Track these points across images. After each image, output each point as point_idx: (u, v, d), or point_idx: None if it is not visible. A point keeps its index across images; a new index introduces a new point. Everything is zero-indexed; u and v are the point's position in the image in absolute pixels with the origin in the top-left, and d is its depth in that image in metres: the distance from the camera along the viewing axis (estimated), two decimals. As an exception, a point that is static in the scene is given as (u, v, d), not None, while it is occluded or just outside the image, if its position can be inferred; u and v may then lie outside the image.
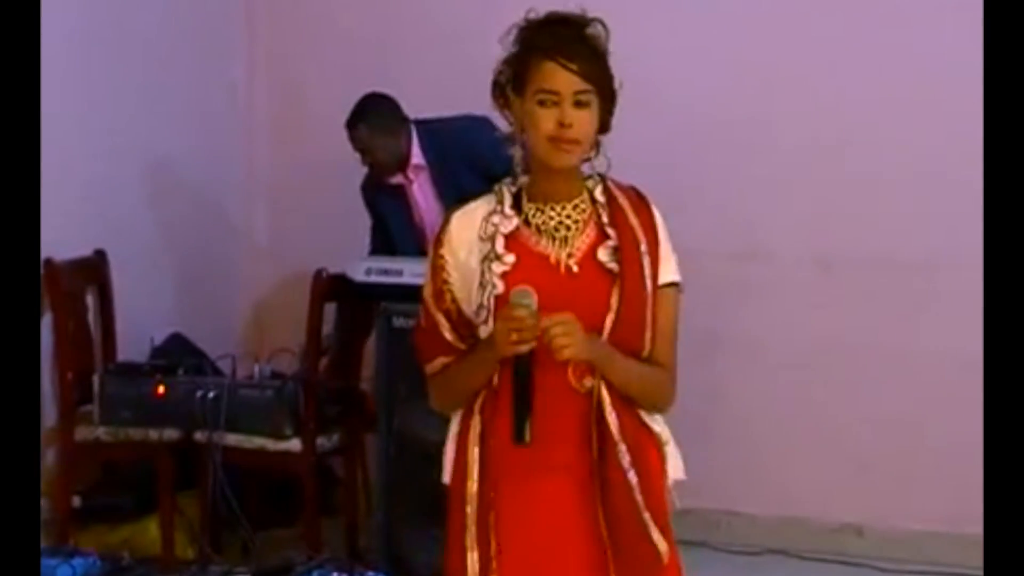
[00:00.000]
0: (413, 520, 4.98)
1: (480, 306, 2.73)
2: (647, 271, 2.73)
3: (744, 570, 5.53)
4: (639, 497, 2.71)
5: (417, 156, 5.31)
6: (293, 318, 5.26)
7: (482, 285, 2.73)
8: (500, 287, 2.71)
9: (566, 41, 2.71)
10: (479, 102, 6.01)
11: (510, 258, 2.73)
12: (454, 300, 2.79)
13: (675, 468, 2.84)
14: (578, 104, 2.69)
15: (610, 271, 2.72)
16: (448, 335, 2.80)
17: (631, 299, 2.71)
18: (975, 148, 4.34)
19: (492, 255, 2.74)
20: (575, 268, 2.73)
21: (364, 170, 5.40)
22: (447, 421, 5.04)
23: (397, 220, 5.42)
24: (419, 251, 4.96)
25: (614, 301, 2.70)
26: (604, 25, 2.76)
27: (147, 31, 5.86)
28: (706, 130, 5.64)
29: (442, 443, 5.00)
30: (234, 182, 6.45)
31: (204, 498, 5.24)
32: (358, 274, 5.09)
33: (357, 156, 5.34)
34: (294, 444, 5.15)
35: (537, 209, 2.77)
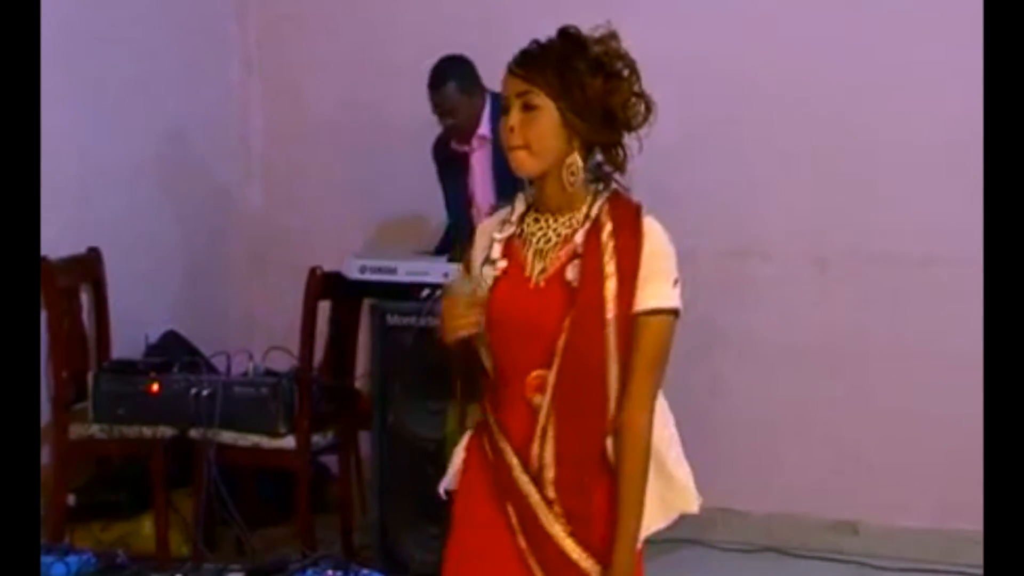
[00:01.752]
0: (408, 517, 4.98)
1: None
2: (609, 294, 2.65)
3: (739, 567, 5.54)
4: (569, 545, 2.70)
5: (484, 127, 5.27)
6: (287, 316, 5.26)
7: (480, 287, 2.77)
8: (486, 289, 2.74)
9: (527, 50, 2.72)
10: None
11: (503, 263, 2.75)
12: None
13: (674, 503, 2.84)
14: (525, 108, 2.68)
15: (574, 291, 2.68)
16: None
17: (585, 320, 2.65)
18: (972, 146, 4.35)
19: (489, 261, 2.76)
20: (542, 284, 2.72)
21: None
22: (442, 418, 5.08)
23: (453, 188, 5.40)
24: (469, 224, 4.95)
25: (567, 322, 2.66)
26: (607, 40, 2.72)
27: (140, 28, 5.85)
28: (704, 128, 5.64)
29: (436, 440, 5.04)
30: (229, 180, 6.45)
31: (199, 496, 5.23)
32: (352, 272, 5.09)
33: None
34: (288, 442, 5.14)
35: (534, 220, 2.77)
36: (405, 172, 6.17)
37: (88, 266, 5.47)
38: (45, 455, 5.17)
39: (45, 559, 4.31)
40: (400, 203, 6.14)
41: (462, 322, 2.67)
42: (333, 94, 6.33)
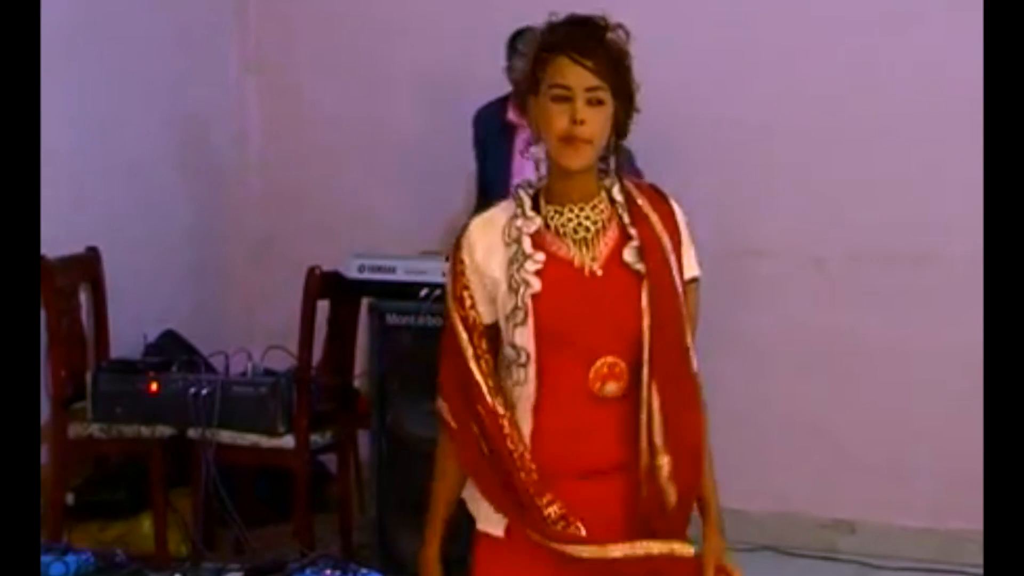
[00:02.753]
0: (406, 517, 4.98)
1: (515, 307, 2.68)
2: (674, 268, 2.72)
3: (736, 567, 5.53)
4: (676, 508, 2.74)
5: None
6: (286, 315, 5.26)
7: (512, 288, 2.68)
8: (536, 285, 2.68)
9: (581, 38, 2.68)
10: (473, 94, 6.09)
11: (540, 256, 2.70)
12: (473, 306, 2.75)
13: None
14: (591, 103, 2.67)
15: (636, 272, 2.70)
16: (470, 346, 2.75)
17: (663, 298, 2.69)
18: (971, 145, 4.36)
19: (521, 256, 2.70)
20: (599, 271, 2.71)
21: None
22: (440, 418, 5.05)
23: (495, 160, 5.37)
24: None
25: (645, 303, 2.67)
26: (626, 30, 2.73)
27: (138, 27, 5.86)
28: (702, 127, 5.64)
29: (435, 440, 5.02)
30: (227, 178, 6.45)
31: (197, 495, 5.24)
32: (351, 271, 5.10)
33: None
34: (287, 441, 5.15)
35: (555, 211, 2.74)
36: (404, 171, 6.18)
37: (87, 265, 5.47)
38: (44, 454, 5.17)
39: (44, 558, 4.31)
40: (399, 202, 6.14)
41: None
42: (332, 93, 6.33)
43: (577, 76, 2.66)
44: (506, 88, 5.09)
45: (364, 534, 5.22)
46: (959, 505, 5.17)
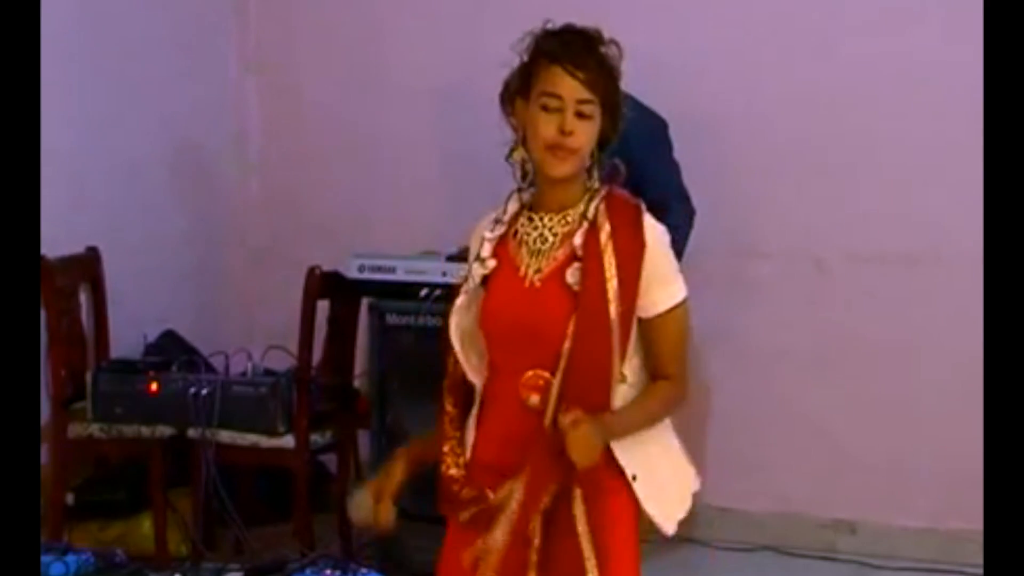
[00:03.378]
0: (406, 517, 4.98)
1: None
2: (612, 295, 2.68)
3: (737, 567, 5.54)
4: (587, 548, 2.70)
5: None
6: (286, 315, 5.26)
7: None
8: (477, 288, 2.78)
9: (575, 49, 2.71)
10: (472, 93, 6.09)
11: (491, 262, 2.77)
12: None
13: (670, 503, 2.84)
14: (580, 115, 2.69)
15: (575, 292, 2.70)
16: (453, 335, 2.83)
17: (588, 323, 2.67)
18: (969, 145, 4.36)
19: (478, 257, 2.80)
20: (538, 284, 2.73)
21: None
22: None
23: None
24: None
25: (570, 329, 2.67)
26: (618, 46, 2.76)
27: (138, 27, 5.86)
28: (700, 127, 5.64)
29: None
30: (227, 178, 6.45)
31: (197, 495, 5.24)
32: (351, 271, 5.10)
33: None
34: (287, 441, 5.15)
35: (528, 218, 2.78)
36: (404, 171, 6.18)
37: (87, 265, 5.47)
38: (44, 454, 5.17)
39: (44, 558, 4.31)
40: (399, 202, 6.14)
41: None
42: (332, 93, 6.33)
43: (569, 87, 2.69)
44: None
45: (364, 534, 5.22)
46: (959, 505, 5.17)
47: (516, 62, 2.83)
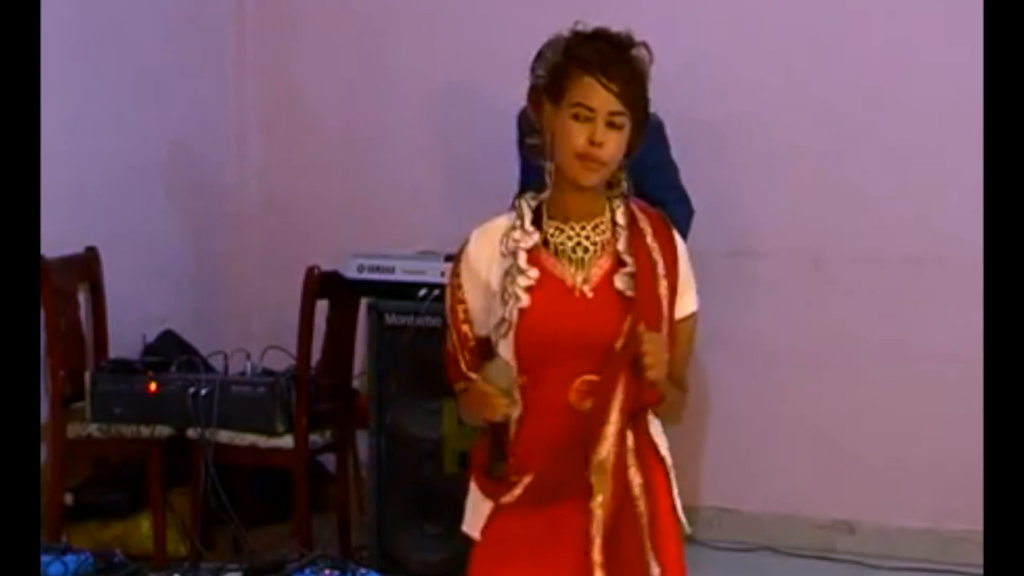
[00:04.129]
0: (405, 517, 4.99)
1: (502, 319, 2.72)
2: (664, 297, 2.73)
3: (736, 567, 5.54)
4: (645, 522, 2.72)
5: None
6: (285, 315, 5.26)
7: (503, 300, 2.72)
8: (525, 300, 2.71)
9: (609, 60, 2.71)
10: (472, 94, 6.10)
11: (533, 272, 2.73)
12: (467, 320, 2.79)
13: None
14: (611, 125, 2.69)
15: (627, 298, 2.72)
16: (460, 359, 2.79)
17: (644, 325, 2.69)
18: (968, 145, 4.37)
19: (515, 269, 2.73)
20: (589, 294, 2.73)
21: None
22: (439, 418, 5.08)
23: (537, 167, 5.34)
24: None
25: (626, 327, 2.68)
26: (648, 48, 2.76)
27: (137, 29, 5.85)
28: (700, 127, 5.64)
29: (434, 439, 5.05)
30: (226, 179, 6.45)
31: (196, 495, 5.24)
32: (350, 271, 5.10)
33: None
34: (286, 441, 5.15)
35: (557, 228, 2.77)
36: (403, 171, 6.18)
37: (86, 266, 5.47)
38: (43, 454, 5.16)
39: (43, 558, 4.31)
40: (398, 202, 6.14)
41: (500, 412, 2.67)
42: (330, 93, 6.32)
43: (602, 99, 2.69)
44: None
45: (363, 534, 5.22)
46: (958, 505, 5.17)
47: (528, 58, 2.83)
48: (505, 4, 5.92)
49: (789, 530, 5.65)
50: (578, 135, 2.69)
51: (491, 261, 2.77)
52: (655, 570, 2.73)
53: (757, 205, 5.71)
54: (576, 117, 2.70)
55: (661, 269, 2.73)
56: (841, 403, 5.63)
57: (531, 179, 5.32)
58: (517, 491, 2.74)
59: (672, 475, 2.83)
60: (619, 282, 2.73)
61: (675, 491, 2.83)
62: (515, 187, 5.17)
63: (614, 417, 2.68)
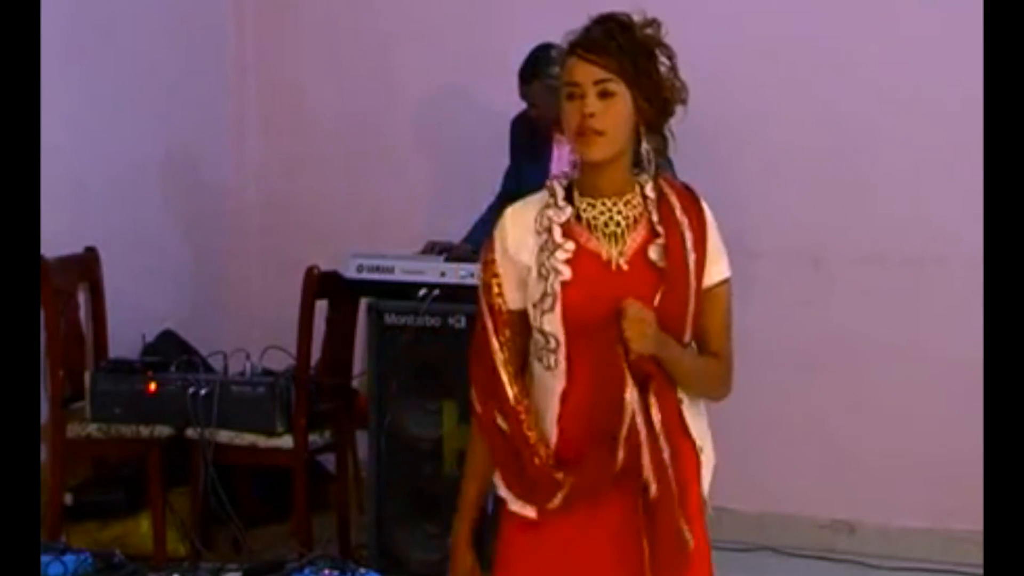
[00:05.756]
0: (405, 517, 4.98)
1: (544, 294, 2.74)
2: (692, 268, 2.76)
3: (735, 567, 5.53)
4: (675, 490, 2.74)
5: None
6: (285, 315, 5.26)
7: (542, 275, 2.74)
8: (566, 272, 2.74)
9: (592, 35, 2.75)
10: (471, 94, 6.10)
11: (570, 245, 2.76)
12: (500, 293, 2.81)
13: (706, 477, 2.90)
14: (603, 95, 2.73)
15: (660, 269, 2.75)
16: (494, 340, 2.80)
17: (673, 296, 2.74)
18: (968, 145, 4.37)
19: (551, 244, 2.76)
20: (625, 267, 2.76)
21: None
22: (439, 417, 5.07)
23: (532, 172, 5.32)
24: None
25: (657, 300, 2.72)
26: (656, 24, 2.80)
27: (136, 29, 5.86)
28: (698, 127, 5.62)
29: (433, 439, 5.05)
30: (225, 179, 6.45)
31: (196, 495, 5.25)
32: (350, 271, 5.10)
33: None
34: (286, 441, 5.15)
35: (588, 204, 2.79)
36: (403, 171, 6.18)
37: (85, 266, 5.47)
38: (42, 454, 5.16)
39: (42, 558, 4.32)
40: (398, 202, 6.14)
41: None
42: (329, 93, 6.33)
43: (584, 72, 2.73)
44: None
45: (362, 534, 5.22)
46: (959, 505, 5.17)
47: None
48: (505, 5, 5.93)
49: (789, 530, 5.65)
50: (573, 113, 2.74)
51: (524, 237, 2.79)
52: (687, 536, 2.76)
53: (756, 204, 5.70)
54: (570, 97, 2.75)
55: (689, 241, 2.76)
56: (841, 403, 5.63)
57: (531, 177, 5.34)
58: (561, 495, 2.76)
59: (704, 459, 2.86)
60: (653, 253, 2.76)
61: (704, 475, 2.86)
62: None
63: (629, 384, 2.70)
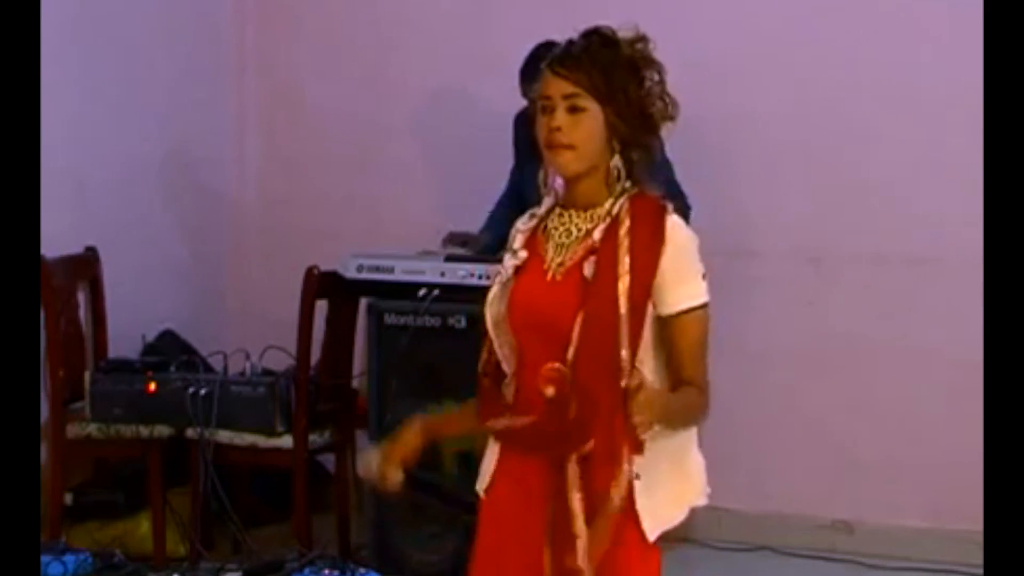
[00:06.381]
0: (405, 517, 4.98)
1: (496, 296, 2.82)
2: (622, 291, 2.70)
3: (735, 567, 5.54)
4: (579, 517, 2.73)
5: None
6: (285, 315, 5.26)
7: (500, 279, 2.82)
8: (507, 276, 2.80)
9: (569, 50, 2.77)
10: (471, 94, 6.10)
11: (523, 254, 2.80)
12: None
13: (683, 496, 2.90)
14: (572, 110, 2.73)
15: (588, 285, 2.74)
16: (489, 323, 2.85)
17: (595, 317, 2.69)
18: (968, 145, 4.36)
19: (510, 250, 2.83)
20: (559, 278, 2.76)
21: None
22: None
23: (532, 169, 5.34)
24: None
25: (579, 319, 2.69)
26: (643, 40, 2.80)
27: (136, 28, 5.86)
28: (699, 127, 5.63)
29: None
30: (225, 178, 6.45)
31: (195, 495, 5.24)
32: (350, 271, 5.10)
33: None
34: (286, 441, 5.15)
35: (559, 214, 2.82)
36: (402, 171, 6.18)
37: (85, 265, 5.47)
38: (42, 454, 5.17)
39: (42, 558, 4.32)
40: (397, 202, 6.14)
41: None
42: (329, 94, 6.33)
43: (554, 86, 2.75)
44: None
45: (362, 534, 5.22)
46: (958, 505, 5.17)
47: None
48: (505, 5, 5.93)
49: (789, 530, 5.65)
50: (543, 127, 2.75)
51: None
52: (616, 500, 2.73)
53: (756, 205, 5.71)
54: (543, 110, 2.76)
55: (624, 262, 2.71)
56: (841, 403, 5.63)
57: (527, 179, 5.34)
58: (503, 422, 2.80)
59: (639, 490, 2.77)
60: (587, 269, 2.74)
61: (637, 505, 2.77)
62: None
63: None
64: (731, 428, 5.69)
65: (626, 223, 2.74)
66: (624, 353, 2.70)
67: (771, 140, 5.68)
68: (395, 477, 2.86)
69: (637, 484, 2.76)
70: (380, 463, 2.88)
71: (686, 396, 2.77)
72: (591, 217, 2.78)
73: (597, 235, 2.75)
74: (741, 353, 5.71)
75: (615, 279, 2.70)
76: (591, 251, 2.75)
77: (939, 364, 5.43)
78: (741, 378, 5.71)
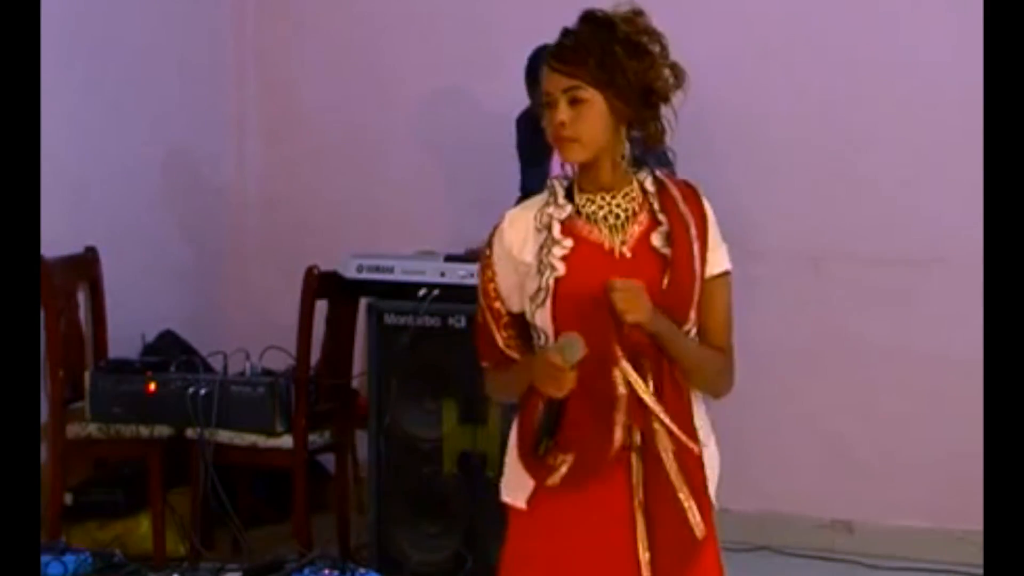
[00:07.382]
0: (404, 517, 4.98)
1: (538, 289, 2.77)
2: (696, 254, 2.79)
3: (734, 567, 5.50)
4: (678, 479, 2.78)
5: None
6: (285, 315, 5.26)
7: (539, 271, 2.77)
8: (560, 269, 2.77)
9: (562, 42, 2.80)
10: (470, 94, 6.09)
11: (568, 242, 2.79)
12: (497, 297, 2.85)
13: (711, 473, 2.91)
14: (573, 102, 2.76)
15: (663, 256, 2.78)
16: (497, 336, 2.86)
17: (680, 280, 2.77)
18: (968, 145, 4.37)
19: (550, 240, 2.79)
20: (628, 254, 2.79)
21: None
22: (438, 418, 5.07)
23: (538, 167, 5.34)
24: None
25: (665, 282, 2.75)
26: (633, 17, 2.82)
27: (136, 29, 5.86)
28: (698, 126, 5.63)
29: (433, 439, 5.05)
30: (225, 178, 6.45)
31: (195, 495, 5.24)
32: (349, 271, 5.10)
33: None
34: (285, 441, 5.15)
35: (588, 199, 2.83)
36: (402, 171, 6.18)
37: (85, 265, 5.47)
38: (42, 454, 5.17)
39: (42, 558, 4.32)
40: (397, 202, 6.14)
41: (564, 387, 2.69)
42: (329, 94, 6.33)
43: (554, 81, 2.79)
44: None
45: (362, 534, 5.22)
46: (959, 505, 5.17)
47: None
48: (505, 5, 5.92)
49: (789, 530, 5.65)
50: (550, 122, 2.79)
51: (525, 239, 2.83)
52: (695, 520, 2.80)
53: (756, 205, 5.70)
54: (548, 106, 2.80)
55: (693, 231, 2.80)
56: (840, 403, 5.63)
57: (530, 180, 5.33)
58: (562, 470, 2.77)
59: (707, 456, 2.87)
60: (656, 240, 2.79)
61: (709, 471, 2.87)
62: (514, 187, 5.18)
63: (620, 358, 2.72)
64: (730, 427, 5.66)
65: (678, 195, 2.83)
66: (693, 315, 2.79)
67: (771, 140, 5.68)
68: (573, 383, 2.74)
69: (705, 452, 2.87)
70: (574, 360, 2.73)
71: (709, 351, 2.86)
72: (627, 196, 2.82)
73: (657, 206, 2.81)
74: (741, 353, 5.66)
75: (691, 245, 2.78)
76: (653, 224, 2.80)
77: (939, 364, 5.43)
78: (741, 378, 5.66)
